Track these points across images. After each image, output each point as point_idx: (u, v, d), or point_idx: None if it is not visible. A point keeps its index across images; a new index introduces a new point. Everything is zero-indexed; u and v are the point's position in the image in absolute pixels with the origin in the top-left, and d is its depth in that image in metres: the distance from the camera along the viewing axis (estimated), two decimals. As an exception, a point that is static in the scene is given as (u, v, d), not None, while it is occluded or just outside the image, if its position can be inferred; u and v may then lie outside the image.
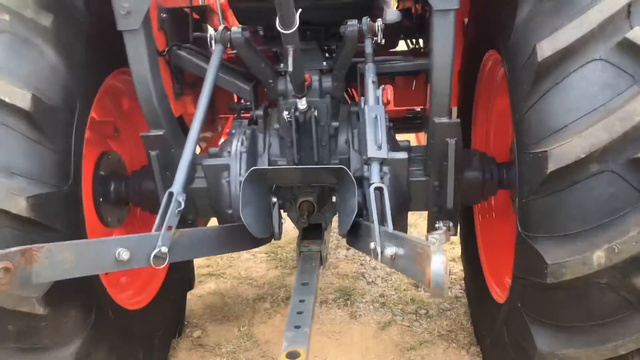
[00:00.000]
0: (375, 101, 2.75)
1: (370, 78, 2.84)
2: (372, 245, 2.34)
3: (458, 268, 4.94)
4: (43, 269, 2.06)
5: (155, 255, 2.44)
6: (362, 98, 2.86)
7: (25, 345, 2.49)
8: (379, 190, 2.47)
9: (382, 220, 2.43)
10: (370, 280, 4.89)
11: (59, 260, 2.11)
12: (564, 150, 2.12)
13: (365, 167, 2.71)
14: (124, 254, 2.31)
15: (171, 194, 2.59)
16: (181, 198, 2.59)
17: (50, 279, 2.12)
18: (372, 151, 2.57)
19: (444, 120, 2.76)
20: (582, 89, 2.16)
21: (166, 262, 2.50)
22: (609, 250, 2.08)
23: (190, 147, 2.78)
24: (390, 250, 2.19)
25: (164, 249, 2.47)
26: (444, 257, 1.78)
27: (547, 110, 2.23)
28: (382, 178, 2.62)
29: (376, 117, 2.65)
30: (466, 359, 3.74)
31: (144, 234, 2.49)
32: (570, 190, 2.16)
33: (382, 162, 2.60)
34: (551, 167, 2.13)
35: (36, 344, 2.50)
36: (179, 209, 2.56)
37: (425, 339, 3.98)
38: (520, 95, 2.36)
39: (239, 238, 3.04)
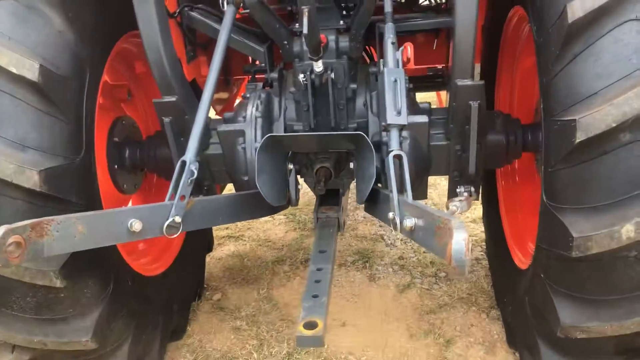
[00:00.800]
0: (395, 64, 2.62)
1: (389, 39, 2.70)
2: (390, 215, 2.27)
3: (479, 229, 4.88)
4: (54, 241, 2.03)
5: (168, 225, 2.40)
6: (381, 60, 2.73)
7: (45, 317, 2.52)
8: (398, 158, 2.38)
9: (401, 189, 2.36)
10: (389, 242, 4.86)
11: (70, 232, 2.08)
12: (594, 119, 2.00)
13: (382, 128, 2.61)
14: (137, 225, 2.27)
15: (184, 163, 2.53)
16: (194, 167, 2.53)
17: (62, 252, 2.10)
18: (391, 117, 2.46)
19: (467, 82, 2.63)
20: (615, 52, 2.02)
21: (179, 232, 2.47)
22: (639, 224, 1.99)
23: (203, 114, 2.70)
24: (409, 222, 2.12)
25: (178, 219, 2.43)
26: (466, 234, 1.71)
27: (577, 76, 2.11)
28: (401, 144, 2.53)
29: (396, 81, 2.53)
30: (486, 322, 3.72)
31: (157, 203, 2.45)
32: (599, 161, 2.06)
33: (402, 128, 2.49)
34: (580, 136, 2.02)
35: (56, 316, 2.53)
36: (192, 178, 2.51)
37: (444, 302, 3.96)
38: (548, 58, 2.23)
39: (255, 205, 2.99)
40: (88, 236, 2.15)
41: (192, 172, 2.53)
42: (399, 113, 2.48)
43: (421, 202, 2.23)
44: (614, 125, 1.97)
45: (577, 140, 2.03)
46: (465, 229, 1.73)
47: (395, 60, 2.65)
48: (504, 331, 3.56)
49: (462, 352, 3.45)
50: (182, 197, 2.47)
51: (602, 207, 2.07)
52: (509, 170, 3.77)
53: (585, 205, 2.12)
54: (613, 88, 2.01)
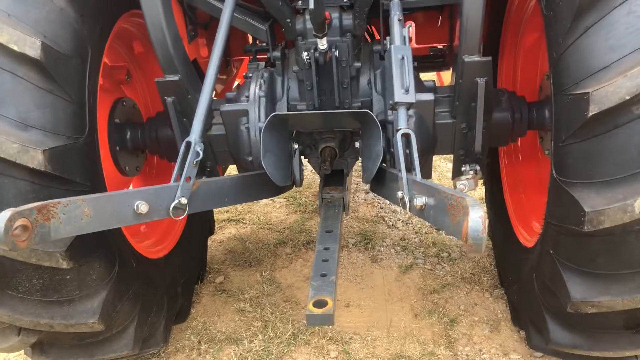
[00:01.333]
0: (402, 41, 2.58)
1: (396, 16, 2.66)
2: (399, 194, 2.25)
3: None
4: (61, 224, 2.00)
5: (174, 207, 2.39)
6: (388, 38, 2.69)
7: (51, 299, 2.49)
8: (406, 136, 2.35)
9: (410, 168, 2.34)
10: (391, 223, 4.85)
11: (76, 215, 2.05)
12: (607, 92, 1.98)
13: (390, 111, 2.58)
14: (143, 207, 2.26)
15: (189, 144, 2.50)
16: (199, 148, 2.51)
17: (68, 234, 2.07)
18: (398, 95, 2.42)
19: (475, 58, 2.61)
20: (628, 24, 2.00)
21: (185, 214, 2.45)
22: (652, 198, 1.98)
23: (207, 93, 2.66)
24: (419, 201, 2.10)
25: (184, 200, 2.42)
26: (482, 211, 1.68)
27: (589, 49, 2.08)
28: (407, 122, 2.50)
29: (403, 59, 2.49)
30: (490, 301, 3.73)
31: (162, 185, 2.42)
32: (612, 135, 2.04)
33: (409, 107, 2.46)
34: (593, 110, 2.00)
35: (62, 297, 2.50)
36: (197, 159, 2.48)
37: (448, 281, 3.96)
38: (558, 32, 2.20)
39: (260, 186, 2.97)
40: (94, 218, 2.13)
41: (198, 153, 2.50)
42: (406, 91, 2.44)
43: (431, 181, 2.21)
44: (627, 98, 1.95)
45: (590, 114, 2.01)
46: (480, 206, 1.71)
47: (402, 37, 2.61)
48: (508, 310, 3.57)
49: (467, 331, 3.46)
50: (188, 179, 2.45)
51: (614, 181, 2.06)
52: (511, 149, 3.75)
53: (597, 179, 2.10)
54: (626, 60, 1.98)
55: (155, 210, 2.34)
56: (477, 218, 1.67)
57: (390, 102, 2.46)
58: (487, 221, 1.69)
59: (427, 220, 2.13)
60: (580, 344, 2.61)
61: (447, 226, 1.93)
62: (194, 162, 2.48)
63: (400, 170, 2.27)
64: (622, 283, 2.20)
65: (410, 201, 2.18)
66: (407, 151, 2.34)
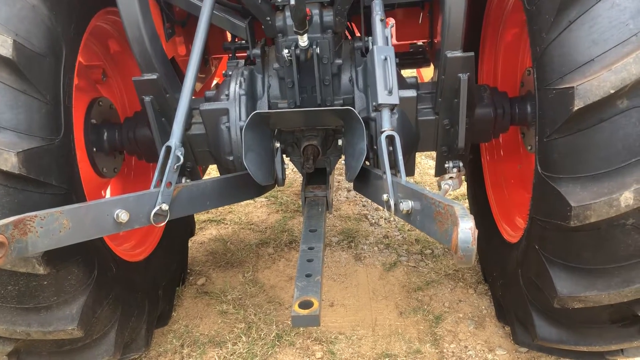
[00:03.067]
0: (385, 41, 2.55)
1: (378, 16, 2.63)
2: (384, 197, 2.24)
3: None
4: (38, 238, 1.96)
5: (155, 213, 2.36)
6: (370, 38, 2.66)
7: (28, 305, 2.42)
8: (390, 138, 2.33)
9: (394, 170, 2.32)
10: (373, 221, 4.83)
11: (54, 227, 2.01)
12: (592, 86, 1.98)
13: (373, 108, 2.55)
14: (123, 215, 2.23)
15: (169, 148, 2.45)
16: (180, 152, 2.46)
17: (47, 248, 2.02)
18: (382, 97, 2.39)
19: (457, 54, 2.59)
20: (611, 17, 1.99)
21: (167, 220, 2.40)
22: (637, 191, 1.98)
23: (186, 97, 2.61)
24: (405, 205, 2.09)
25: (165, 207, 2.39)
26: (471, 222, 1.66)
27: (572, 43, 2.08)
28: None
29: (386, 59, 2.46)
30: (474, 298, 3.72)
31: (142, 192, 2.37)
32: (597, 129, 2.04)
33: (393, 108, 2.43)
34: (578, 104, 2.00)
35: (39, 304, 2.43)
36: (178, 164, 2.44)
37: (432, 278, 3.95)
38: (541, 26, 2.19)
39: (242, 187, 2.93)
40: (73, 230, 2.09)
41: (178, 158, 2.46)
42: (390, 92, 2.41)
43: (416, 184, 2.19)
44: (612, 92, 1.94)
45: (575, 108, 2.00)
46: (470, 216, 1.70)
47: (384, 38, 2.58)
48: (492, 306, 3.57)
49: (452, 328, 3.45)
50: (169, 184, 2.41)
51: (600, 175, 2.06)
52: (493, 145, 3.75)
53: (583, 174, 2.10)
54: (610, 54, 1.98)
55: (135, 218, 2.31)
56: (467, 230, 1.65)
57: (374, 103, 2.43)
58: (476, 232, 1.66)
59: (414, 224, 2.12)
60: (566, 338, 2.62)
61: (434, 232, 1.92)
62: (175, 167, 2.43)
63: (384, 173, 2.25)
64: (608, 277, 2.20)
65: (395, 204, 2.17)
66: (391, 148, 2.32)
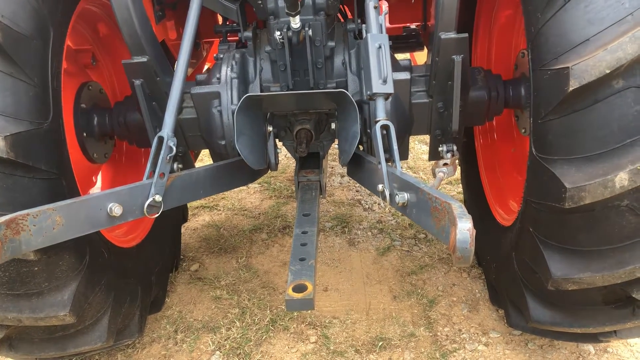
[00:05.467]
0: (379, 29, 2.51)
1: (372, 2, 2.58)
2: (380, 187, 2.24)
3: (455, 191, 4.89)
4: (32, 236, 1.95)
5: (149, 205, 2.35)
6: (364, 25, 2.62)
7: (19, 292, 2.39)
8: (385, 128, 2.31)
9: (389, 159, 2.31)
10: (367, 206, 4.81)
11: (47, 224, 1.99)
12: (587, 66, 1.96)
13: (367, 97, 2.52)
14: (117, 209, 2.22)
15: (161, 139, 2.41)
16: (172, 143, 2.43)
17: (41, 246, 2.00)
18: (376, 86, 2.35)
19: (451, 35, 2.56)
20: (607, -4, 1.97)
21: (160, 211, 2.38)
22: (632, 172, 1.97)
23: (179, 86, 2.57)
24: (401, 198, 2.09)
25: (158, 198, 2.38)
26: (470, 223, 1.65)
27: (568, 23, 2.05)
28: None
29: (380, 47, 2.42)
30: (468, 281, 3.73)
31: (135, 184, 2.35)
32: (592, 110, 2.02)
33: (387, 97, 2.40)
34: (573, 84, 1.98)
35: (30, 290, 2.40)
36: (170, 155, 2.41)
37: (425, 262, 3.95)
38: (537, 6, 2.17)
39: (235, 174, 2.91)
40: (67, 226, 2.08)
41: (171, 149, 2.43)
42: (384, 81, 2.38)
43: (412, 176, 2.17)
44: (607, 71, 1.93)
45: (571, 89, 1.98)
46: (468, 216, 1.69)
47: (378, 26, 2.54)
48: (486, 289, 3.57)
49: (446, 312, 3.45)
50: (162, 175, 2.38)
51: (595, 156, 2.04)
52: (487, 128, 3.74)
53: (578, 155, 2.08)
54: (606, 34, 1.96)
55: (129, 210, 2.30)
56: (465, 231, 1.64)
57: (368, 92, 2.40)
58: (474, 232, 1.65)
59: (409, 217, 2.12)
60: (560, 320, 2.62)
61: (431, 227, 1.92)
62: (167, 158, 2.40)
63: (379, 163, 2.24)
64: (602, 259, 2.20)
65: (391, 195, 2.17)
66: (388, 142, 2.30)
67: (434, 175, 3.08)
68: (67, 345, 2.78)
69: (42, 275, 2.39)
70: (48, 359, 2.98)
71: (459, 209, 1.72)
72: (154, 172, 2.38)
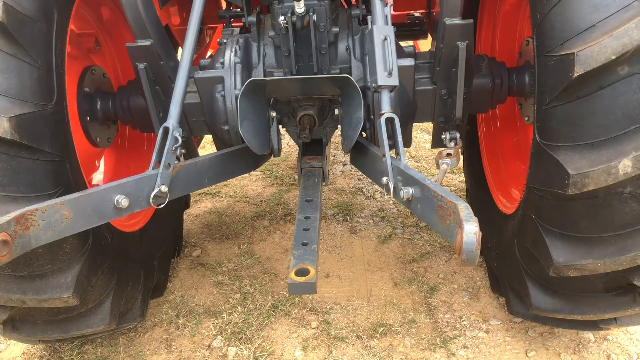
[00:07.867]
0: (384, 21, 2.50)
1: None
2: (384, 180, 2.26)
3: (457, 180, 4.89)
4: (41, 231, 1.96)
5: (155, 196, 2.36)
6: (369, 17, 2.61)
7: (22, 273, 2.40)
8: (390, 120, 2.31)
9: (394, 152, 2.31)
10: (369, 195, 4.82)
11: (56, 219, 2.00)
12: (592, 52, 1.95)
13: (372, 89, 2.52)
14: (124, 201, 2.23)
15: (167, 129, 2.42)
16: (178, 133, 2.44)
17: (50, 240, 2.01)
18: (382, 78, 2.35)
19: (456, 21, 2.55)
20: (613, -18, 1.96)
21: (167, 201, 2.40)
22: (636, 159, 1.97)
23: (184, 76, 2.56)
24: (405, 193, 2.11)
25: (164, 188, 2.39)
26: (476, 226, 1.64)
27: (573, 9, 2.04)
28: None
29: (385, 39, 2.42)
30: (468, 269, 3.73)
31: (141, 175, 2.36)
32: (596, 96, 2.02)
33: (392, 90, 2.40)
34: (578, 70, 1.97)
35: (34, 272, 2.41)
36: (176, 145, 2.41)
37: (427, 250, 3.96)
38: (542, -8, 2.16)
39: (238, 161, 2.92)
40: (75, 220, 2.09)
41: (176, 139, 2.43)
42: (390, 74, 2.37)
43: (417, 171, 2.18)
44: (613, 57, 1.92)
45: (576, 75, 1.98)
46: (474, 218, 1.68)
47: (384, 17, 2.53)
48: (487, 277, 3.58)
49: (447, 299, 3.47)
50: (167, 165, 2.39)
51: (599, 143, 2.04)
52: (490, 116, 3.73)
53: (581, 142, 2.08)
54: (611, 20, 1.95)
55: (135, 201, 2.31)
56: (471, 234, 1.63)
57: (373, 85, 2.40)
58: (480, 235, 1.65)
59: (414, 211, 2.14)
60: (560, 307, 2.63)
61: (435, 225, 1.93)
62: (173, 149, 2.41)
63: (384, 155, 2.25)
64: (604, 246, 2.20)
65: (395, 188, 2.17)
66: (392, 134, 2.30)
67: (438, 166, 3.07)
68: (70, 327, 2.80)
69: (45, 257, 2.40)
70: (51, 341, 3.00)
71: (465, 210, 1.72)
72: (160, 162, 2.39)
